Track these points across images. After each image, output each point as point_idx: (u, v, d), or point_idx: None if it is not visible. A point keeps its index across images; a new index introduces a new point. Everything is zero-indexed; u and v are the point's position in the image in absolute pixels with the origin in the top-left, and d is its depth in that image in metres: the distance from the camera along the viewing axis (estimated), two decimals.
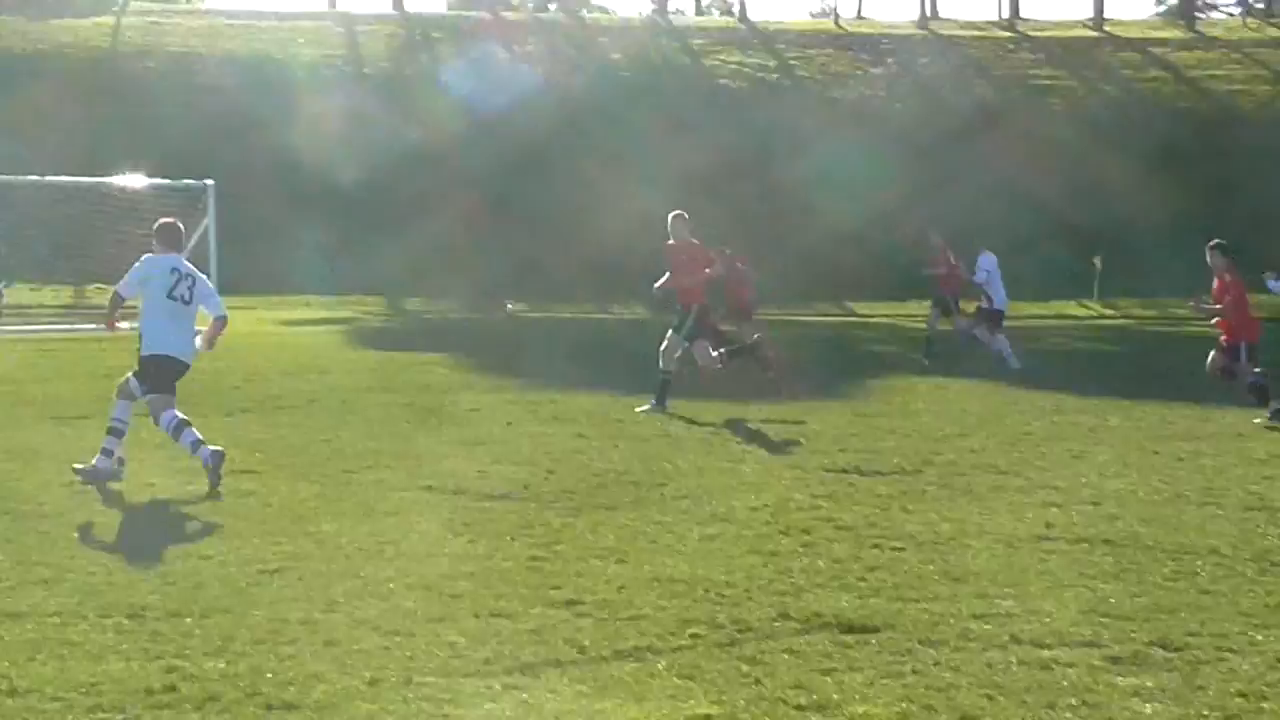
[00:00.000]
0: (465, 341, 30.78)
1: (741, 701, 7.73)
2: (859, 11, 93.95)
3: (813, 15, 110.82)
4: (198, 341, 15.04)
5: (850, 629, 9.06)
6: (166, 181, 36.38)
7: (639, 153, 55.01)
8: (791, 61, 68.35)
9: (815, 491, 13.75)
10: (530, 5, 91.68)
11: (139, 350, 14.64)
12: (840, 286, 51.46)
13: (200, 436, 14.14)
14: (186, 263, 15.10)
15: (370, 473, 14.54)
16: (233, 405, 19.97)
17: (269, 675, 8.02)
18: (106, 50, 62.28)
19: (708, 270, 20.56)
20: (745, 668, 8.31)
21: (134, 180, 37.25)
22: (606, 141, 55.96)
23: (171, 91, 57.63)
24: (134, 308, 14.96)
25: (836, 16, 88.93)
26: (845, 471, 15.02)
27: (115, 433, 14.33)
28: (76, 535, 11.44)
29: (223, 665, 8.20)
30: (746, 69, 66.17)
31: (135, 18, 68.66)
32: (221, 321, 15.04)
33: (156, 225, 15.29)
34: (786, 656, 8.51)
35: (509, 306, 43.28)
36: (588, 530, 11.86)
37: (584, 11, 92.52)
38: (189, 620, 9.09)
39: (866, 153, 55.44)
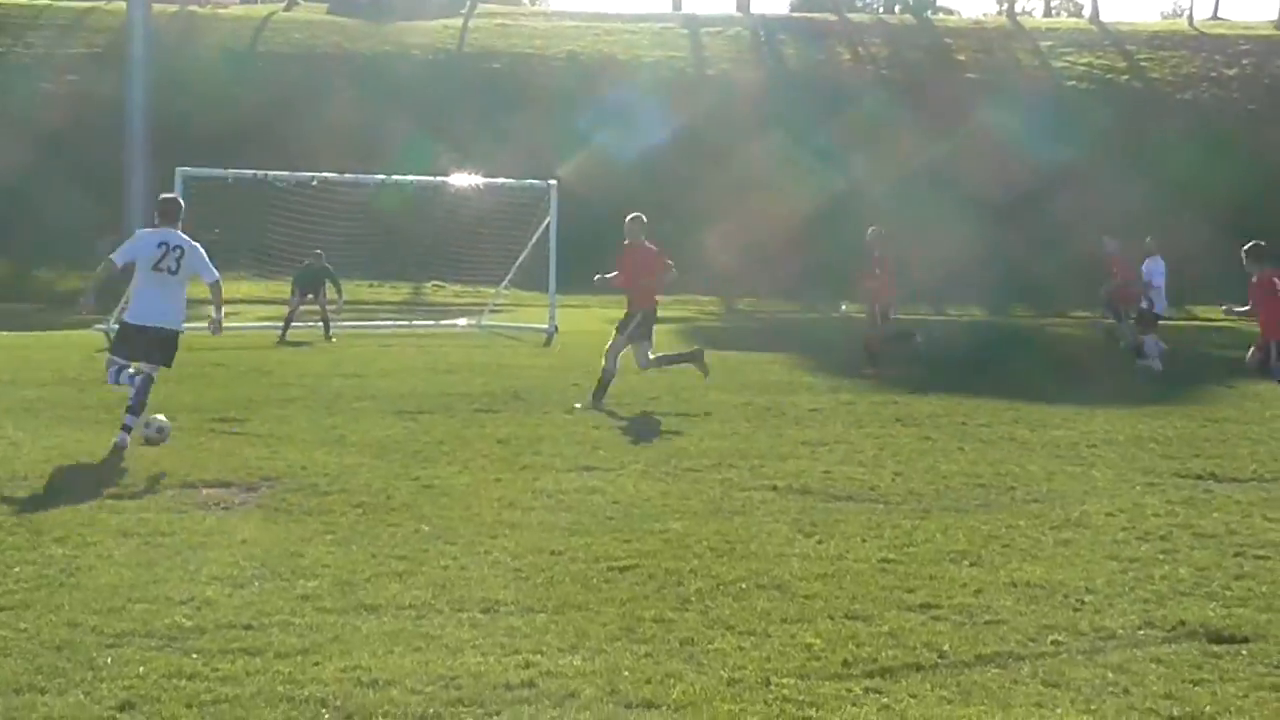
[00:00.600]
0: (802, 341, 30.63)
1: (1111, 711, 7.47)
2: (1215, 11, 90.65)
3: (1164, 15, 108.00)
4: (211, 312, 16.21)
5: (1219, 638, 8.72)
6: (509, 181, 36.92)
7: (983, 153, 54.23)
8: (1142, 63, 66.63)
9: (1170, 498, 13.31)
10: (878, 7, 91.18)
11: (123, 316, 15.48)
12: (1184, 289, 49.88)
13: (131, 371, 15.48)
14: (181, 235, 15.79)
15: (715, 472, 14.47)
16: (571, 402, 20.11)
17: (626, 673, 7.96)
18: (452, 52, 63.69)
19: (659, 273, 20.72)
20: (1112, 676, 8.03)
21: (473, 179, 37.90)
22: (952, 140, 55.22)
23: (516, 91, 58.66)
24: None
25: (1190, 16, 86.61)
26: (1200, 478, 14.55)
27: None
28: (426, 529, 11.57)
29: (578, 662, 8.17)
30: (1096, 70, 64.70)
31: (483, 19, 70.10)
32: (215, 287, 16.01)
33: (158, 200, 16.59)
34: (1154, 665, 8.21)
35: (844, 307, 42.92)
36: (939, 532, 11.62)
37: (929, 13, 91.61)
38: (543, 616, 9.11)
39: (1216, 154, 53.80)
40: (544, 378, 23.21)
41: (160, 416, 15.78)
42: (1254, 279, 19.23)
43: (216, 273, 16.01)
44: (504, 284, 35.47)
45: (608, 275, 20.87)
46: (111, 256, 16.08)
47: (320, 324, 30.43)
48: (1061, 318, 45.03)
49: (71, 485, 13.05)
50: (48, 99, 56.11)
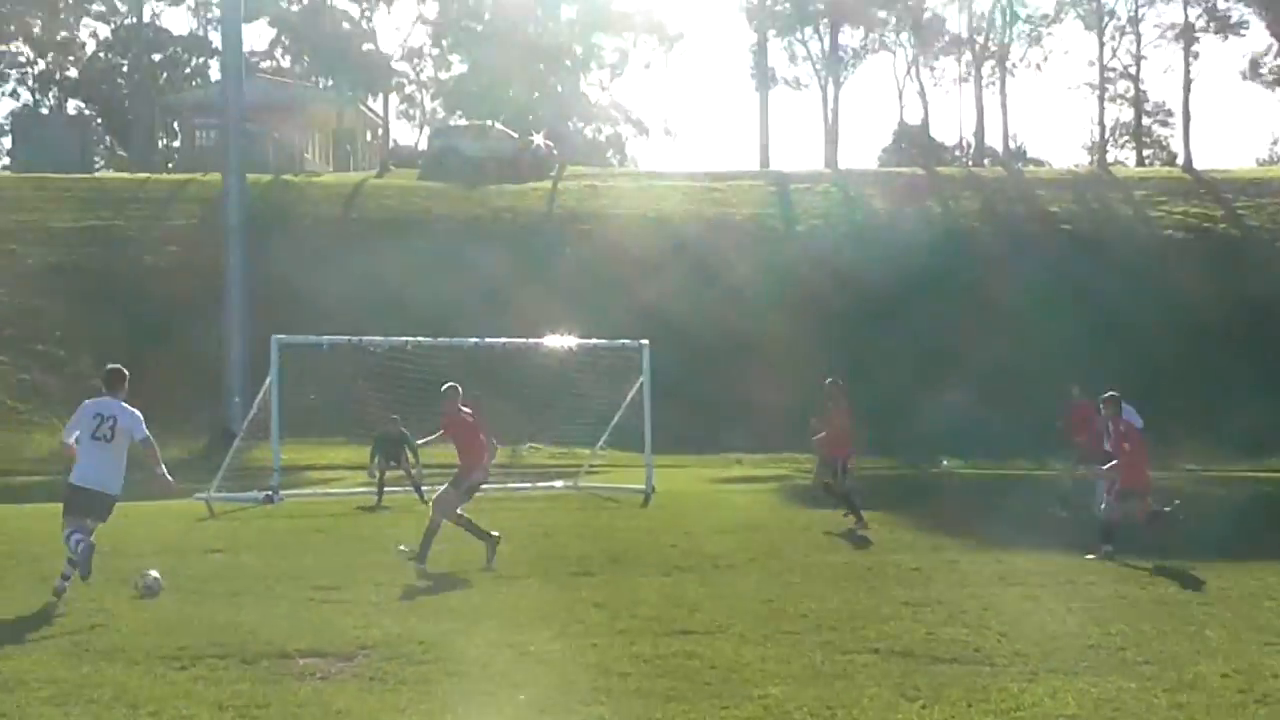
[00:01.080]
0: (902, 499, 30.34)
1: None
2: None
3: (1259, 162, 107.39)
4: (158, 469, 17.46)
5: None
6: (602, 341, 37.03)
7: (1081, 305, 54.00)
8: (1240, 211, 66.26)
9: None
10: (967, 161, 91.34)
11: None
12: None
13: (81, 536, 16.52)
14: (118, 403, 17.24)
15: (815, 634, 14.26)
16: (669, 564, 19.97)
17: None
18: (543, 214, 64.35)
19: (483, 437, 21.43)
20: None
21: (567, 340, 38.04)
22: (1048, 293, 54.94)
23: (607, 252, 59.07)
24: None
25: None
26: None
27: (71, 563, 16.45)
28: (523, 698, 11.46)
29: None
30: (1191, 219, 64.39)
31: (571, 181, 70.80)
32: (146, 443, 17.16)
33: (105, 370, 18.11)
34: None
35: (944, 462, 42.63)
36: (1047, 696, 11.38)
37: (1019, 164, 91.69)
38: None
39: None
40: (642, 539, 23.07)
41: (153, 572, 17.18)
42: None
43: (145, 431, 17.16)
44: (599, 444, 35.45)
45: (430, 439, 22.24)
46: (62, 435, 17.80)
47: (412, 489, 30.44)
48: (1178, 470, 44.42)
49: (169, 657, 13.02)
50: (148, 270, 57.01)
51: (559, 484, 33.23)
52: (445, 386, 21.61)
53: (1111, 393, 22.74)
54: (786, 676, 12.23)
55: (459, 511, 20.77)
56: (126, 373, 17.79)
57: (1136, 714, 10.82)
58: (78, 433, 17.28)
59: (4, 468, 43.11)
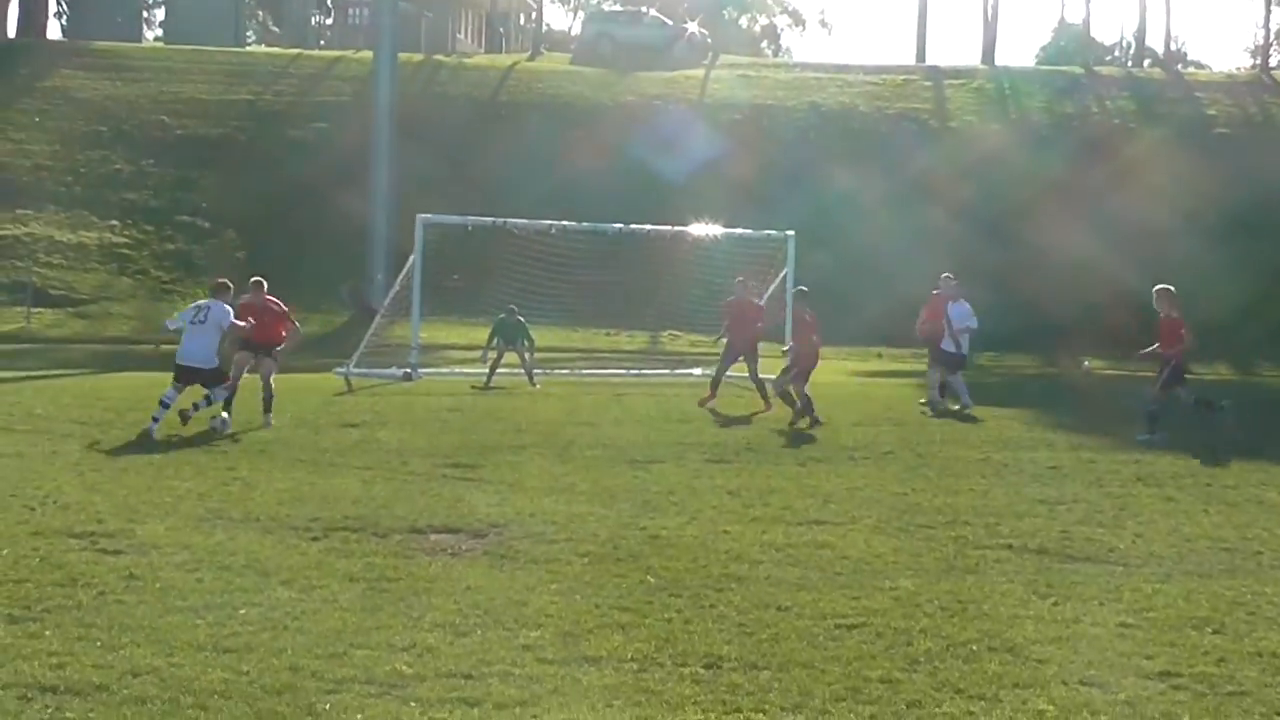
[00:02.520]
0: (1042, 398, 30.00)
1: None
2: None
3: None
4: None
5: None
6: (747, 231, 36.83)
7: (1243, 213, 52.94)
8: None
9: None
10: (1126, 61, 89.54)
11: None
12: None
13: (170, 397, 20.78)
14: (217, 303, 21.80)
15: (948, 529, 14.14)
16: (806, 455, 19.89)
17: None
18: (695, 102, 63.92)
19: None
20: None
21: (712, 229, 37.86)
22: (1212, 204, 53.90)
23: (758, 142, 58.63)
24: None
25: None
26: None
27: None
28: (652, 580, 11.44)
29: None
30: None
31: (724, 70, 70.24)
32: (232, 326, 21.77)
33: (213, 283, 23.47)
34: None
35: (1086, 364, 42.02)
36: (1180, 597, 11.19)
37: (1179, 66, 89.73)
38: (766, 673, 8.94)
39: None
40: (777, 429, 22.98)
41: (224, 414, 20.99)
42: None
43: (231, 318, 21.70)
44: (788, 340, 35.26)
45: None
46: (167, 322, 23.35)
47: (524, 373, 30.50)
48: None
49: (302, 528, 13.16)
50: (295, 145, 57.36)
51: (697, 371, 33.10)
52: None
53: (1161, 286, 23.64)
54: (918, 570, 12.14)
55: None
56: (230, 285, 22.48)
57: (1271, 618, 10.61)
58: (181, 322, 21.67)
59: (148, 335, 43.82)
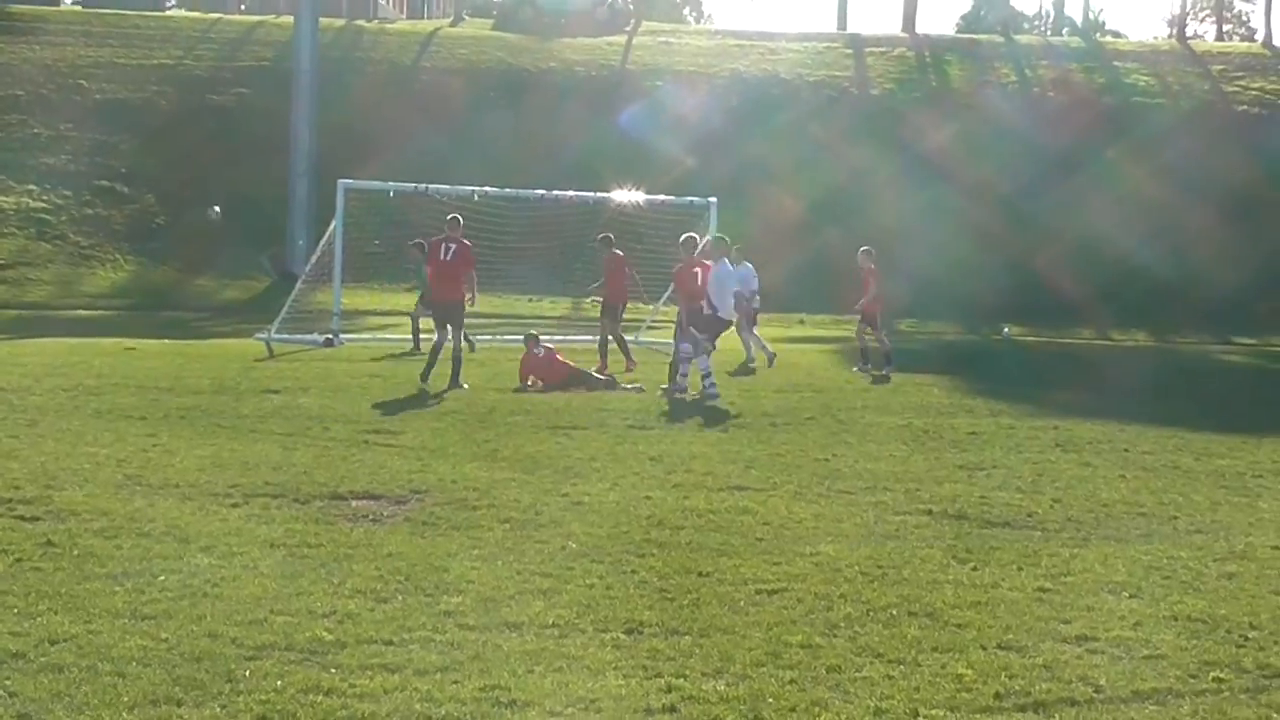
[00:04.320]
0: (962, 364, 30.17)
1: None
2: None
3: None
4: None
5: None
6: (670, 198, 36.87)
7: (1150, 178, 53.43)
8: None
9: None
10: (1045, 30, 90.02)
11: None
12: None
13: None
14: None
15: (869, 494, 14.22)
16: (726, 421, 19.95)
17: (770, 700, 7.81)
18: (616, 69, 63.83)
19: None
20: (1276, 716, 7.81)
21: (634, 196, 37.85)
22: (1119, 166, 54.41)
23: (679, 109, 58.63)
24: None
25: None
26: None
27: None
28: (574, 546, 11.45)
29: (722, 687, 8.04)
30: (1268, 95, 63.26)
31: (646, 37, 70.11)
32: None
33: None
34: None
35: (1006, 330, 42.37)
36: (1097, 562, 11.30)
37: (1097, 35, 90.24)
38: (687, 639, 8.96)
39: None
40: (697, 396, 23.03)
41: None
42: None
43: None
44: (661, 300, 35.36)
45: None
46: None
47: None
48: (1231, 344, 44.05)
49: (222, 494, 13.09)
50: (216, 111, 56.97)
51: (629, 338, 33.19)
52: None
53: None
54: (839, 535, 12.20)
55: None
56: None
57: (1186, 582, 10.73)
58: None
59: (64, 301, 43.43)
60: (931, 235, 49.08)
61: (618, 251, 28.67)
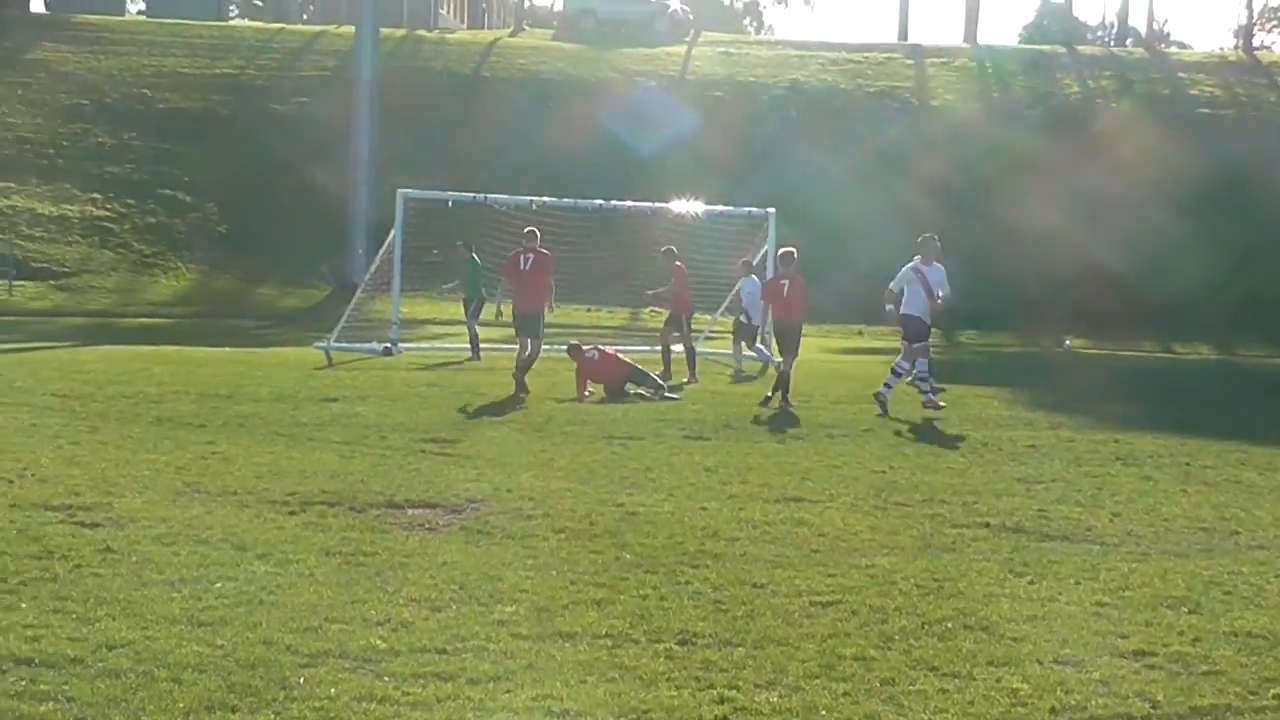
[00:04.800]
0: (1022, 376, 30.05)
1: None
2: None
3: None
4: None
5: None
6: (728, 208, 36.92)
7: (1220, 191, 53.09)
8: None
9: None
10: (1109, 40, 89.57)
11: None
12: None
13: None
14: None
15: (926, 507, 14.15)
16: (785, 432, 19.91)
17: (823, 712, 7.78)
18: (675, 78, 63.90)
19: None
20: None
21: (693, 206, 37.91)
22: (1189, 182, 54.03)
23: (739, 119, 58.65)
24: None
25: None
26: None
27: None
28: (628, 556, 11.43)
29: (775, 699, 8.00)
30: None
31: (706, 47, 70.17)
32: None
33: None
34: None
35: (1067, 343, 42.18)
36: (1157, 577, 11.20)
37: (1161, 46, 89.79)
38: (741, 650, 8.93)
39: None
40: (756, 406, 22.99)
41: None
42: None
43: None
44: (720, 310, 35.37)
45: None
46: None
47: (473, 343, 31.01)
48: None
49: (279, 502, 13.14)
50: (277, 119, 57.32)
51: (677, 348, 33.15)
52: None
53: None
54: (894, 547, 12.14)
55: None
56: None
57: (1247, 598, 10.63)
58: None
59: (127, 308, 43.73)
60: (990, 245, 48.90)
61: (679, 264, 28.80)
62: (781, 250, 24.76)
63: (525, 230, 25.11)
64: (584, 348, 24.95)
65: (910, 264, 23.29)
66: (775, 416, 21.69)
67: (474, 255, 31.85)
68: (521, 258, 24.27)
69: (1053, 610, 10.09)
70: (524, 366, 23.78)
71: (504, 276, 25.25)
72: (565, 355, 25.03)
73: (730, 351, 30.99)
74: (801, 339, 24.27)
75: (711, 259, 33.57)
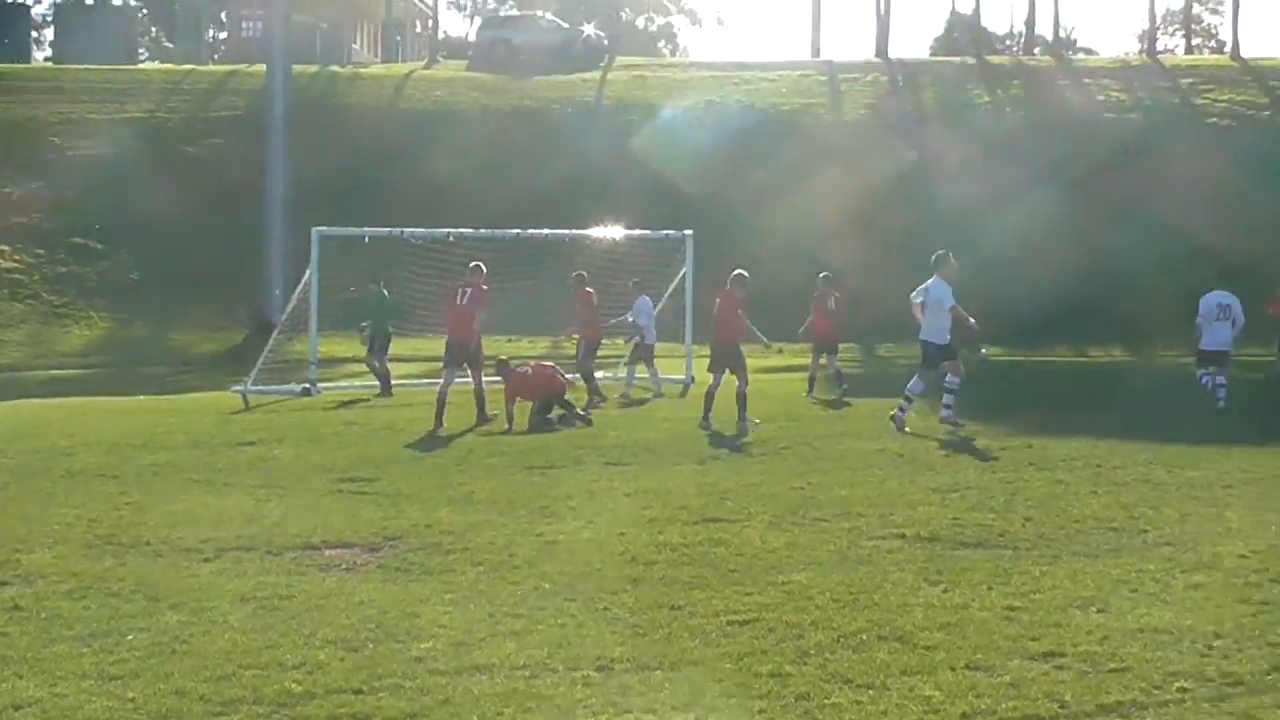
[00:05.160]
0: (935, 386, 30.21)
1: None
2: None
3: None
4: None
5: None
6: (647, 232, 36.95)
7: (1118, 190, 53.59)
8: None
9: None
10: (1017, 50, 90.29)
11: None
12: None
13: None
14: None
15: (842, 520, 14.23)
16: (702, 454, 20.00)
17: None
18: (591, 105, 63.99)
19: None
20: None
21: (611, 231, 37.89)
22: (1085, 181, 54.53)
23: (655, 141, 58.72)
24: None
25: None
26: None
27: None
28: (547, 586, 11.45)
29: None
30: (1237, 106, 63.50)
31: (620, 72, 70.26)
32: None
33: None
34: None
35: (984, 351, 42.39)
36: (1067, 578, 11.36)
37: (1069, 53, 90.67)
38: (658, 673, 9.00)
39: None
40: (676, 429, 23.06)
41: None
42: None
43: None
44: (630, 334, 35.41)
45: None
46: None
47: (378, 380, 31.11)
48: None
49: (194, 550, 13.08)
50: (189, 162, 57.01)
51: (599, 374, 33.17)
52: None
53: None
54: (811, 562, 12.22)
55: None
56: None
57: (1153, 594, 10.79)
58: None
59: (38, 360, 43.36)
60: (907, 261, 49.11)
61: (589, 289, 28.96)
62: (735, 273, 24.83)
63: (471, 265, 25.56)
64: (513, 363, 25.14)
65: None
66: (696, 438, 21.75)
67: (383, 290, 31.79)
68: (460, 291, 24.78)
69: (965, 617, 10.20)
70: (443, 400, 23.80)
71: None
72: (494, 385, 25.00)
73: (645, 374, 30.96)
74: (731, 357, 24.16)
75: (638, 282, 33.61)
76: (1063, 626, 9.86)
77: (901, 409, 22.70)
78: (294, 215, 47.01)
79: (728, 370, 23.84)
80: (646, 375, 30.98)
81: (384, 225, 35.62)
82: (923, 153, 57.16)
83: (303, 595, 11.21)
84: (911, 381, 23.17)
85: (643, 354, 31.02)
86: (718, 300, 24.31)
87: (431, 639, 9.86)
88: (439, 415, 23.40)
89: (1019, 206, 52.17)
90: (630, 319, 30.98)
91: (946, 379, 23.06)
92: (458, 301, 24.69)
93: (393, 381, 30.83)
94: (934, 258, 23.43)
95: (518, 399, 23.95)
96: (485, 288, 25.05)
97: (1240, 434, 20.86)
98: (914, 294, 23.99)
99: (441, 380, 24.65)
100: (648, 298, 31.21)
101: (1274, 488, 16.04)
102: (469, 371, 24.73)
